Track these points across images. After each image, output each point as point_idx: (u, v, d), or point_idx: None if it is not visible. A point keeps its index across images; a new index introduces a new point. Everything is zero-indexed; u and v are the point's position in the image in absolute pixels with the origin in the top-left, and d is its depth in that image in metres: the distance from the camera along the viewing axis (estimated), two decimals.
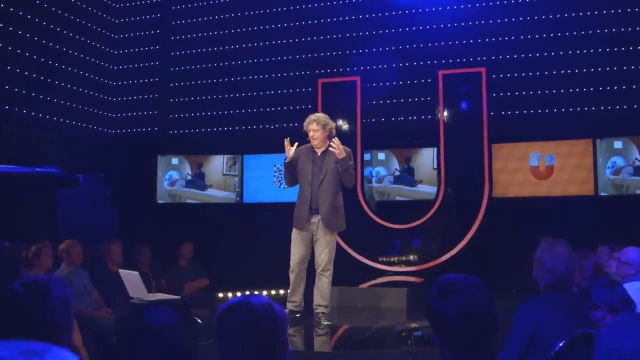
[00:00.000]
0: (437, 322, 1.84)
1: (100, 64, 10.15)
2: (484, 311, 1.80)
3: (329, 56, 9.47)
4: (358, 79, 8.55)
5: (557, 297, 3.39)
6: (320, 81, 8.65)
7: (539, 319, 3.24)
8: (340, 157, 5.63)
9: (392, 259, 8.24)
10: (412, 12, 9.16)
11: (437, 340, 1.84)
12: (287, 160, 5.82)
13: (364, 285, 7.37)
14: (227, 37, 10.00)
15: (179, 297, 5.36)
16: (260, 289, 7.46)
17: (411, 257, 8.23)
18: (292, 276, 5.88)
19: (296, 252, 5.83)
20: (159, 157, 9.61)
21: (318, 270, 5.80)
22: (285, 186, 6.15)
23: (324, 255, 5.75)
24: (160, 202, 9.58)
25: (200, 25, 10.15)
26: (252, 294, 1.91)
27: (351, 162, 5.82)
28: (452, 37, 8.89)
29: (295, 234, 5.85)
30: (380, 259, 8.17)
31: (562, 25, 8.51)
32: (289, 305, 5.91)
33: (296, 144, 5.88)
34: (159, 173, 9.59)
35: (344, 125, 8.44)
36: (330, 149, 5.65)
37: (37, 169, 9.26)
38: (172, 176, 9.62)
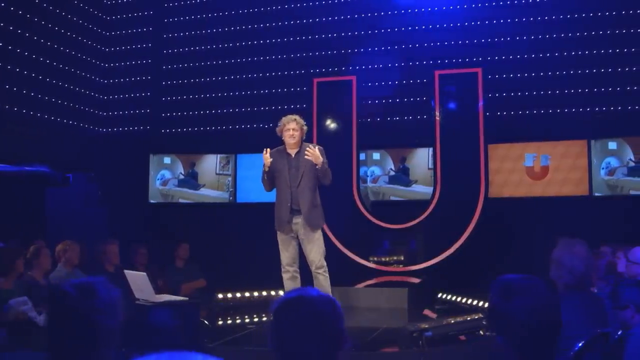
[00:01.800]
0: (501, 323, 1.82)
1: (92, 62, 10.01)
2: (549, 311, 1.79)
3: (324, 55, 9.44)
4: (354, 78, 8.52)
5: (576, 297, 3.39)
6: (315, 80, 8.62)
7: None
8: (317, 163, 5.65)
9: (387, 259, 8.24)
10: (408, 13, 9.16)
11: (500, 340, 1.82)
12: (266, 169, 5.83)
13: (360, 286, 7.35)
14: (221, 35, 9.92)
15: (187, 298, 5.29)
16: (259, 289, 7.39)
17: (407, 257, 8.23)
18: (285, 277, 5.91)
19: (284, 253, 5.88)
20: (151, 156, 9.50)
21: (312, 270, 5.83)
22: (265, 190, 6.07)
23: (314, 253, 5.78)
24: (152, 201, 9.47)
25: (193, 23, 10.05)
26: (306, 287, 1.87)
27: (325, 160, 5.82)
28: (449, 38, 8.91)
29: (280, 235, 5.90)
30: (376, 259, 8.16)
31: (558, 27, 8.57)
32: None
33: (268, 149, 5.87)
34: (151, 172, 9.48)
35: (336, 124, 8.40)
36: (306, 157, 5.65)
37: (26, 168, 9.09)
38: (164, 175, 9.51)
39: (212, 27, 9.96)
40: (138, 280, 4.60)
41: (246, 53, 9.76)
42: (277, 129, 5.93)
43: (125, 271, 4.83)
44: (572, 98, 8.45)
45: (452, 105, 8.25)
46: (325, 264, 5.84)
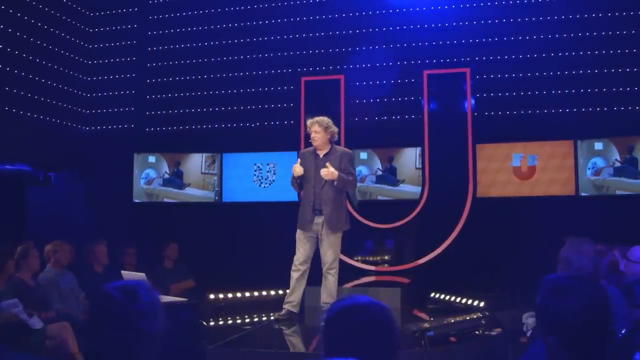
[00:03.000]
0: (551, 323, 1.80)
1: (75, 59, 9.81)
2: (600, 310, 1.78)
3: (312, 54, 9.38)
4: (342, 77, 8.53)
5: None
6: (303, 79, 8.59)
7: None
8: (334, 179, 5.75)
9: (375, 259, 8.24)
10: (397, 12, 9.16)
11: (551, 340, 1.80)
12: (294, 178, 5.95)
13: (348, 285, 7.33)
14: (207, 32, 9.79)
15: (186, 299, 5.22)
16: (250, 289, 7.33)
17: (395, 257, 8.24)
18: (294, 275, 5.93)
19: (300, 251, 5.92)
20: (135, 155, 9.35)
21: (324, 269, 5.91)
22: (297, 192, 6.17)
23: (329, 255, 5.86)
24: (136, 201, 9.32)
25: (178, 20, 9.91)
26: (356, 294, 1.84)
27: (352, 170, 5.96)
28: (437, 38, 8.93)
29: (299, 234, 5.95)
30: (363, 258, 8.16)
31: (546, 28, 8.64)
32: (287, 306, 5.91)
33: (299, 160, 5.98)
34: (136, 171, 9.34)
35: None
36: (323, 176, 5.75)
37: (7, 167, 8.87)
38: (149, 174, 9.37)
39: (197, 24, 9.84)
40: None
41: (232, 51, 9.64)
42: (307, 131, 6.08)
43: (123, 272, 4.74)
44: (559, 99, 8.53)
45: (440, 105, 8.30)
46: (337, 267, 5.94)
